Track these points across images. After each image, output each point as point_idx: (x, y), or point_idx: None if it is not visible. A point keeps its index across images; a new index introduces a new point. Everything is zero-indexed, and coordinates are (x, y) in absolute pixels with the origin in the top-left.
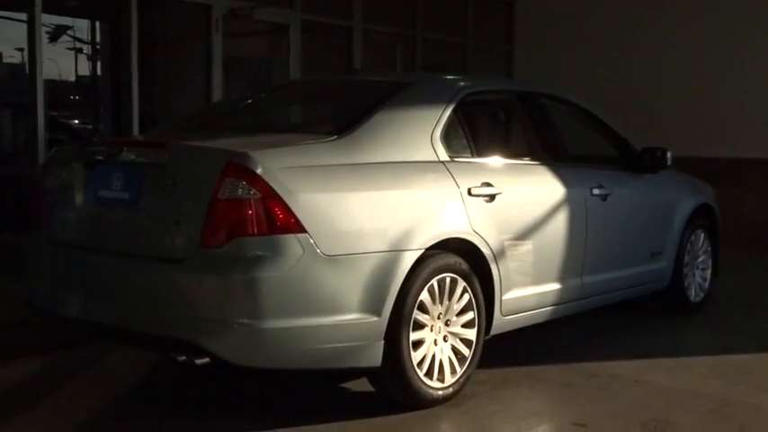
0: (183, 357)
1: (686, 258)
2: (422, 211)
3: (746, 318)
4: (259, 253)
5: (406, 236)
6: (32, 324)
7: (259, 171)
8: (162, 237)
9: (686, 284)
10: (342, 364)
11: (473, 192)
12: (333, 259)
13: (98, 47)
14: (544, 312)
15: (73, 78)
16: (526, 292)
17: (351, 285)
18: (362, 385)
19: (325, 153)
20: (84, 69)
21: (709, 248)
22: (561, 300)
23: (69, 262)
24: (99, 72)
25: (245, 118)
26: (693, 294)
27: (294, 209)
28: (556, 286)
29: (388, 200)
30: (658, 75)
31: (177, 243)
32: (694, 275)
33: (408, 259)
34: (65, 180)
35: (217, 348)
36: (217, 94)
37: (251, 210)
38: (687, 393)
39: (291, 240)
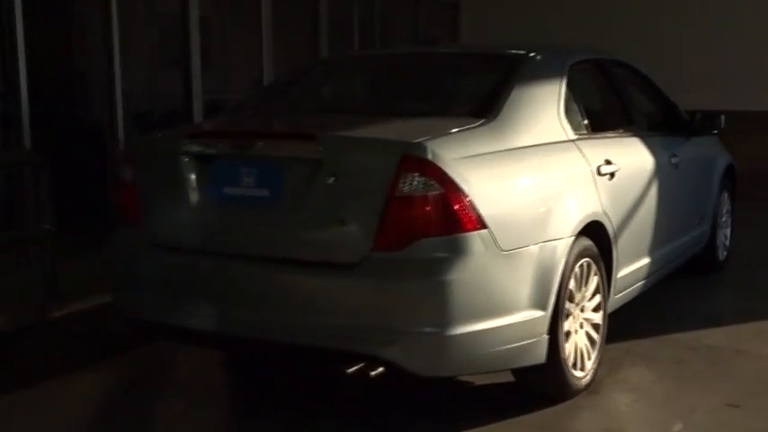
0: (354, 369)
1: (718, 219)
2: (569, 195)
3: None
4: (444, 254)
5: (560, 222)
6: (53, 326)
7: (440, 163)
8: (323, 239)
9: (717, 244)
10: (513, 364)
11: (601, 170)
12: (508, 255)
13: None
14: (638, 287)
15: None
16: (630, 269)
17: (522, 281)
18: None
19: (482, 139)
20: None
21: (730, 207)
22: (649, 272)
23: (185, 267)
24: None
25: (359, 98)
26: (720, 253)
27: (476, 203)
28: (647, 260)
29: (545, 186)
30: (611, 26)
31: (344, 246)
32: (719, 235)
33: (564, 247)
34: (165, 174)
35: (398, 358)
36: (195, 61)
37: (433, 207)
38: None
39: (475, 238)
